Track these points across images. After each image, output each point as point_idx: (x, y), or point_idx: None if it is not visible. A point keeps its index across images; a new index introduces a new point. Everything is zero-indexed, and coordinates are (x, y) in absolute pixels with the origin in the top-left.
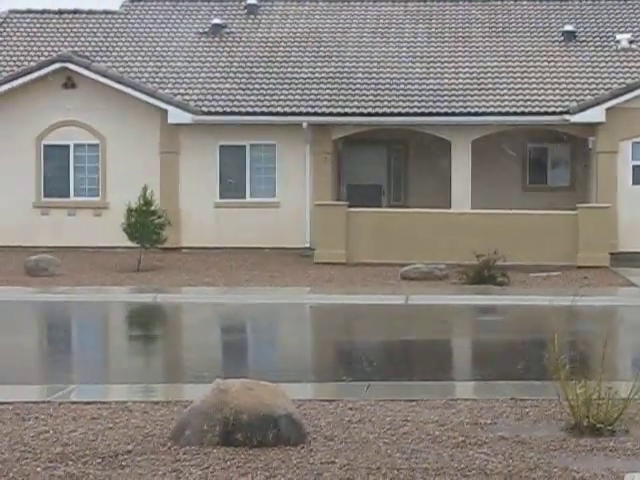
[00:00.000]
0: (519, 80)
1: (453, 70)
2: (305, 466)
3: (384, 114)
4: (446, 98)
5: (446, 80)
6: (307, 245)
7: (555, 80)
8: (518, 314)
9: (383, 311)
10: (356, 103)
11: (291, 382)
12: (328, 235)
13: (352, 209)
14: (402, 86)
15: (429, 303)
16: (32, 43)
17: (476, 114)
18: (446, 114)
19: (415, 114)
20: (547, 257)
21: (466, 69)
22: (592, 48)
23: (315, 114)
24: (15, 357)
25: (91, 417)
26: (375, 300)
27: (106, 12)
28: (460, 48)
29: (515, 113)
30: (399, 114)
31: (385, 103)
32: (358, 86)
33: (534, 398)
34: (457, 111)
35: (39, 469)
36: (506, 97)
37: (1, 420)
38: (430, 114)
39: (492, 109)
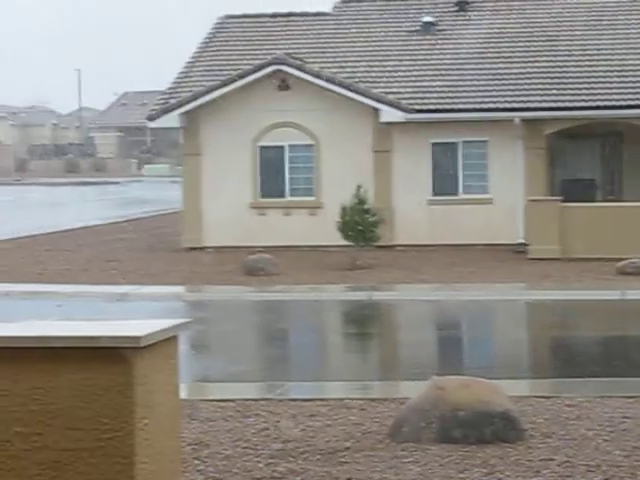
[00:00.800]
0: None
1: None
2: (523, 463)
3: (597, 107)
4: None
5: None
6: (520, 241)
7: None
8: None
9: (599, 306)
10: (569, 97)
11: (507, 379)
12: (542, 231)
13: (566, 204)
14: (615, 78)
15: None
16: (248, 46)
17: None
18: None
19: (629, 107)
20: None
21: None
22: None
23: (527, 109)
24: (236, 355)
25: (310, 414)
26: (590, 295)
27: (319, 14)
28: None
29: None
30: (613, 107)
31: (598, 96)
32: (570, 80)
33: None
34: None
35: (261, 465)
36: None
37: (224, 417)
38: None
39: None
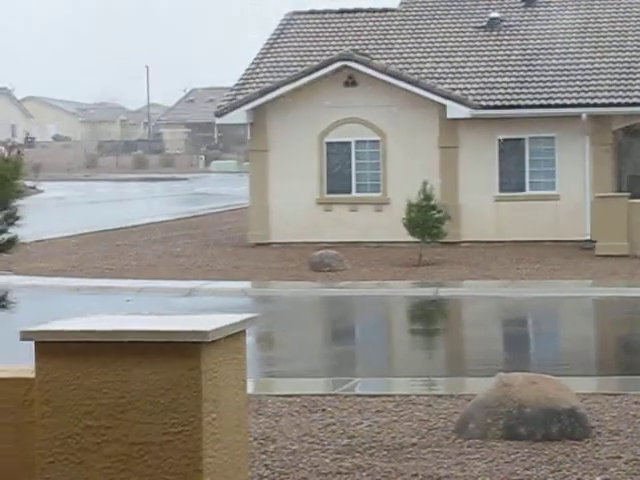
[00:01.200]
0: None
1: None
2: (590, 460)
3: None
4: None
5: None
6: (587, 238)
7: None
8: None
9: None
10: (637, 93)
11: (574, 376)
12: (609, 227)
13: (634, 200)
14: None
15: None
16: (314, 43)
17: None
18: None
19: None
20: None
21: None
22: None
23: (594, 105)
24: (302, 351)
25: (376, 410)
26: None
27: (385, 10)
28: None
29: None
30: None
31: None
32: (639, 75)
33: None
34: None
35: (327, 460)
36: None
37: (290, 412)
38: None
39: None
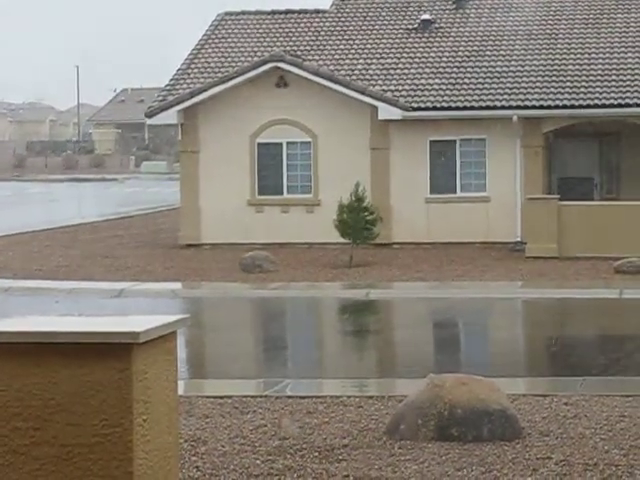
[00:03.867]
0: None
1: None
2: (521, 462)
3: (595, 106)
4: None
5: None
6: (518, 239)
7: None
8: None
9: (596, 305)
10: (567, 95)
11: (504, 377)
12: (539, 229)
13: (564, 203)
14: (614, 77)
15: None
16: (246, 43)
17: None
18: None
19: (628, 105)
20: None
21: None
22: None
23: (525, 107)
24: (233, 352)
25: (307, 411)
26: (588, 294)
27: (317, 11)
28: None
29: None
30: (611, 105)
31: (597, 95)
32: (569, 78)
33: None
34: None
35: (258, 462)
36: None
37: (221, 414)
38: None
39: None
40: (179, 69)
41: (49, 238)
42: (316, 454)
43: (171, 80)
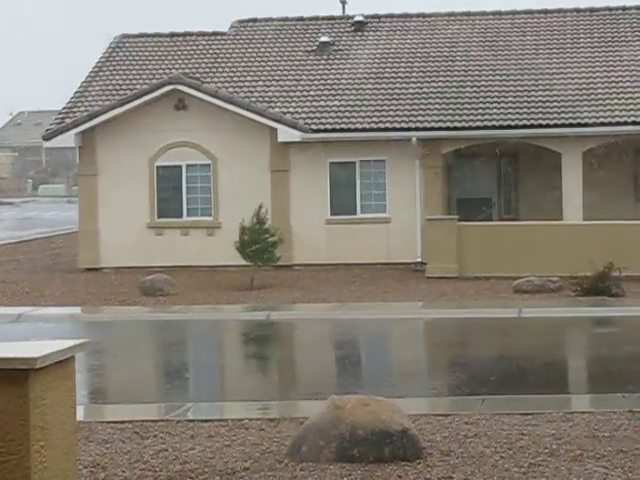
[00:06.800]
0: (629, 89)
1: (562, 81)
2: None
3: (493, 127)
4: (555, 109)
5: (555, 91)
6: (418, 260)
7: None
8: (634, 325)
9: (496, 324)
10: (465, 117)
11: (406, 397)
12: (439, 249)
13: (463, 223)
14: (511, 98)
15: (543, 316)
16: (144, 66)
17: (586, 125)
18: (556, 125)
19: (525, 126)
20: None
21: (575, 80)
22: None
23: (424, 129)
24: (133, 376)
25: (208, 435)
26: (488, 314)
27: (215, 33)
28: (568, 59)
29: (626, 123)
30: (508, 127)
31: (494, 116)
32: (467, 100)
33: None
34: (567, 122)
35: None
36: (616, 107)
37: (121, 439)
38: (540, 126)
39: (602, 119)
40: (77, 92)
41: None
42: (217, 478)
43: (69, 103)
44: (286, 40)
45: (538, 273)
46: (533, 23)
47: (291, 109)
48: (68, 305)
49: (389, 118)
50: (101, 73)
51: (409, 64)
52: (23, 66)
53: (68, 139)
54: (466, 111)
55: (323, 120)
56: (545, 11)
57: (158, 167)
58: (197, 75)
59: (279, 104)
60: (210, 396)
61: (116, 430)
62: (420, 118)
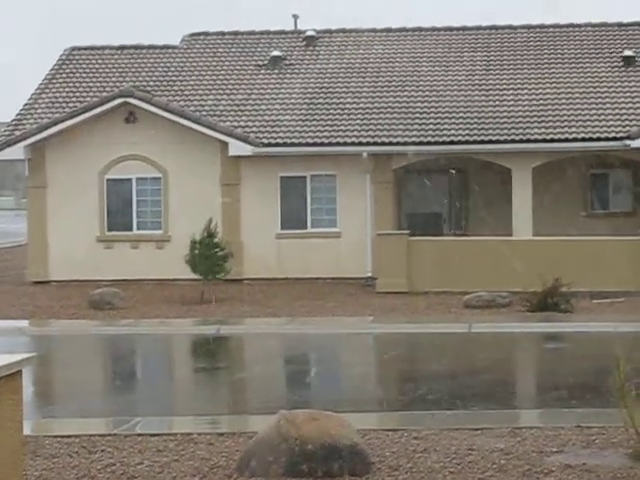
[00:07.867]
0: (579, 106)
1: (512, 97)
2: None
3: (444, 142)
4: (506, 125)
5: (505, 107)
6: (369, 275)
7: (615, 105)
8: (583, 341)
9: (446, 340)
10: (415, 132)
11: (355, 412)
12: (390, 264)
13: (413, 238)
14: (461, 114)
15: (492, 331)
16: (94, 79)
17: (536, 141)
18: (506, 141)
19: (475, 142)
20: (610, 283)
21: (525, 96)
22: None
23: (375, 144)
24: (82, 390)
25: (157, 449)
26: (438, 329)
27: (166, 47)
28: (519, 75)
29: (575, 139)
30: (459, 142)
31: (445, 132)
32: (417, 115)
33: (600, 425)
34: (517, 138)
35: None
36: (566, 123)
37: (68, 453)
38: (490, 142)
39: (552, 136)
40: (26, 104)
41: None
42: None
43: (17, 115)
44: (237, 54)
45: (488, 288)
46: (483, 39)
47: (242, 123)
48: (15, 318)
49: (340, 133)
50: (51, 85)
51: (360, 79)
52: None
53: (17, 151)
54: (417, 126)
55: (274, 134)
56: (496, 27)
57: (108, 180)
58: (148, 88)
59: (230, 118)
60: (159, 410)
61: (63, 445)
62: (371, 133)
